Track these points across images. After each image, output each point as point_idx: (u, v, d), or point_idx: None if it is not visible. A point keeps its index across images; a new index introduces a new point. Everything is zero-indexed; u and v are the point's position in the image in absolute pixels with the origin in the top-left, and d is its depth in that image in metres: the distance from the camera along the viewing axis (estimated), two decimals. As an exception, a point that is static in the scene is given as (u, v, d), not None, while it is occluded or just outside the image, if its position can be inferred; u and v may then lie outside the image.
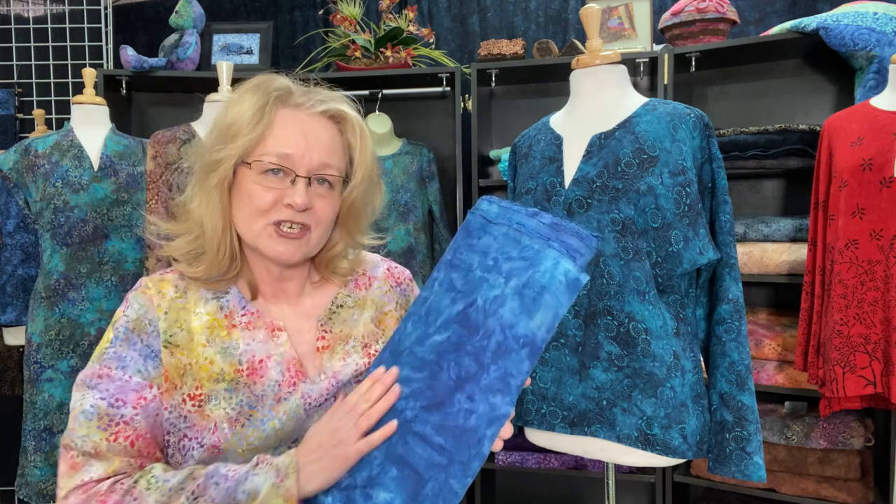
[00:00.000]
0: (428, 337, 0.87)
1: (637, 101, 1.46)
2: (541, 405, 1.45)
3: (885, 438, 2.14)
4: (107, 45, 3.22)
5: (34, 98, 3.24)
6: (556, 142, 1.49)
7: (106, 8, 3.22)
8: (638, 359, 1.34)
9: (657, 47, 2.54)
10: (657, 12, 2.66)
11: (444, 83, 2.63)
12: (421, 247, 2.53)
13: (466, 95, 2.64)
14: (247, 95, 0.95)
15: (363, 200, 1.01)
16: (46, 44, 3.24)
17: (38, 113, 2.86)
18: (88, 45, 3.23)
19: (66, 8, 3.24)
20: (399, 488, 0.82)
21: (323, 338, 0.99)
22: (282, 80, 0.97)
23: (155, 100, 2.93)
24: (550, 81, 2.72)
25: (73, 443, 0.86)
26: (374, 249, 1.14)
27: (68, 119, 2.33)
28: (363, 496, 0.83)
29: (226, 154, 0.92)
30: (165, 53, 2.72)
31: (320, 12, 3.23)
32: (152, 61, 2.61)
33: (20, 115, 3.25)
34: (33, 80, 3.24)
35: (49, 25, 3.24)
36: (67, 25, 3.24)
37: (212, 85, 2.32)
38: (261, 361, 0.94)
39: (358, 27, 2.71)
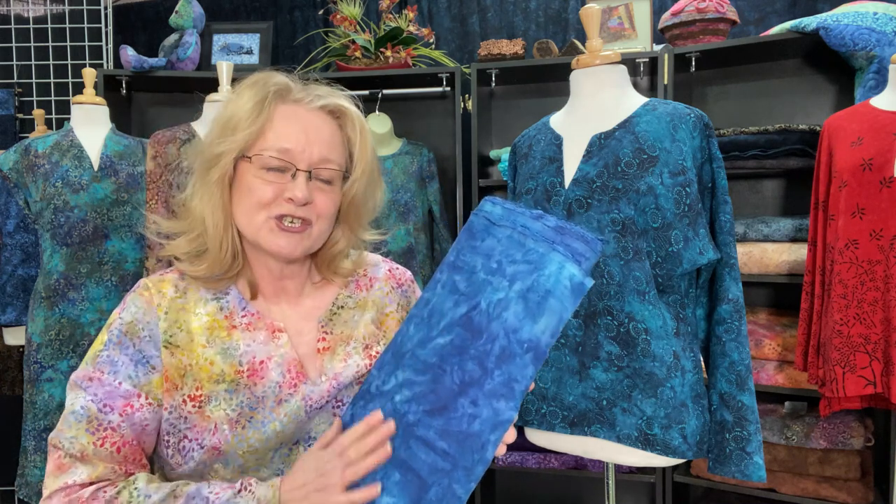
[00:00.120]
0: (431, 339, 0.85)
1: (637, 101, 1.46)
2: (541, 405, 1.45)
3: (885, 438, 2.14)
4: (107, 45, 3.21)
5: (34, 98, 3.23)
6: (556, 142, 1.49)
7: (106, 8, 3.22)
8: (638, 359, 1.34)
9: (657, 47, 2.54)
10: (657, 12, 2.65)
11: (444, 83, 2.63)
12: (421, 247, 2.53)
13: (466, 95, 2.63)
14: (246, 91, 0.95)
15: (364, 195, 1.01)
16: (46, 44, 3.24)
17: (38, 113, 2.86)
18: (88, 45, 3.23)
19: (66, 8, 3.24)
20: (402, 493, 0.81)
21: (324, 339, 0.99)
22: (280, 77, 0.97)
23: (155, 100, 2.93)
24: (550, 81, 2.71)
25: (61, 444, 0.87)
26: (374, 248, 1.13)
27: (68, 119, 2.33)
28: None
29: (226, 148, 0.92)
30: (165, 53, 2.72)
31: (320, 12, 3.23)
32: (152, 61, 2.61)
33: (20, 115, 3.24)
34: (33, 80, 3.24)
35: (49, 25, 3.24)
36: (67, 25, 3.24)
37: (212, 85, 2.32)
38: (261, 363, 0.94)
39: (358, 27, 2.71)
